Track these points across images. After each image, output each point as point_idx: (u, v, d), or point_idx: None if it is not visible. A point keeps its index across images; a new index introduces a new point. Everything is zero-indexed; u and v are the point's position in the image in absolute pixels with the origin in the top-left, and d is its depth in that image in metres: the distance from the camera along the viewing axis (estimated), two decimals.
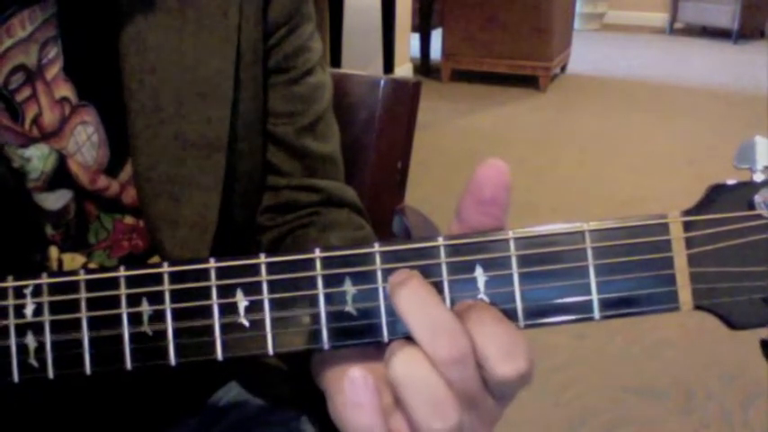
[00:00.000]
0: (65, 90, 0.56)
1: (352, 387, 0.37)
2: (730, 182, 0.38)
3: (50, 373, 0.41)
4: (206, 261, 0.40)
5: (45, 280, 0.41)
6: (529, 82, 4.77)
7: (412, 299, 0.37)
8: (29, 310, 0.41)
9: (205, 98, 0.58)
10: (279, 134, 0.65)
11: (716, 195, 0.38)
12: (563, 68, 5.24)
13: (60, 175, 0.56)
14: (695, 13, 6.55)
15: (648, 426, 1.80)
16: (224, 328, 0.39)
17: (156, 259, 0.61)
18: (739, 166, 0.38)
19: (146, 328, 0.40)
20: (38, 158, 0.55)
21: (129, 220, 0.59)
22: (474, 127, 4.10)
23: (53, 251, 0.57)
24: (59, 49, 0.55)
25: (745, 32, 6.26)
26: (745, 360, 2.01)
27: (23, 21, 0.54)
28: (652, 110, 4.43)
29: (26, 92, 0.55)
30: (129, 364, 0.40)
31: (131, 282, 0.40)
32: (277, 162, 0.66)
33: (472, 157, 3.63)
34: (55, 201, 0.57)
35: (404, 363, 0.36)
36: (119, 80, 0.56)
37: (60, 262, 0.58)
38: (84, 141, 0.57)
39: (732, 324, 0.38)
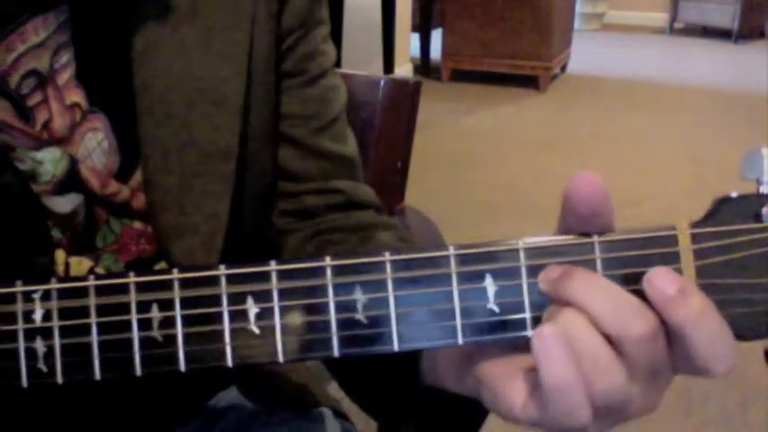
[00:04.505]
0: (76, 96, 0.56)
1: (542, 343, 0.36)
2: (738, 194, 0.38)
3: (59, 379, 0.41)
4: (216, 268, 0.40)
5: (54, 285, 0.41)
6: (529, 82, 4.77)
7: (589, 284, 0.37)
8: (38, 315, 0.41)
9: (216, 105, 0.58)
10: (296, 136, 0.65)
11: (724, 207, 0.38)
12: (563, 68, 5.24)
13: (71, 180, 0.56)
14: (695, 13, 6.55)
15: (648, 426, 1.80)
16: (234, 334, 0.39)
17: (163, 265, 0.61)
18: (746, 177, 0.38)
19: (155, 334, 0.40)
20: (50, 162, 0.55)
21: (137, 225, 0.59)
22: (474, 127, 4.10)
23: (60, 255, 0.57)
24: (71, 54, 0.55)
25: (745, 32, 6.26)
26: (745, 360, 2.00)
27: (37, 27, 0.54)
28: (652, 110, 4.42)
29: (37, 97, 0.55)
30: (138, 371, 0.40)
31: (141, 288, 0.40)
32: (294, 166, 0.66)
33: (472, 157, 3.63)
34: (65, 204, 0.56)
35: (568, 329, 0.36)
36: (130, 87, 0.56)
37: (67, 265, 0.57)
38: (94, 148, 0.57)
39: (740, 335, 0.38)
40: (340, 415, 0.74)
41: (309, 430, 0.70)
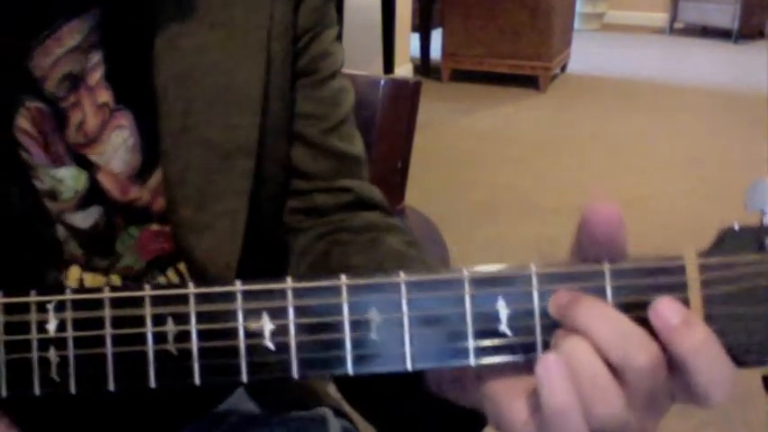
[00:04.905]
0: (105, 96, 0.57)
1: (545, 370, 0.37)
2: (742, 225, 0.40)
3: (72, 389, 0.41)
4: (232, 284, 0.40)
5: (69, 296, 0.41)
6: (529, 82, 4.77)
7: (595, 312, 0.38)
8: (52, 326, 0.41)
9: (235, 104, 0.59)
10: (307, 135, 0.66)
11: (729, 237, 0.40)
12: (563, 68, 5.24)
13: (93, 193, 0.57)
14: (695, 13, 6.55)
15: None
16: (249, 350, 0.40)
17: (181, 267, 0.62)
18: (751, 208, 0.39)
19: (170, 347, 0.40)
20: (71, 178, 0.56)
21: (155, 227, 0.60)
22: (474, 127, 4.10)
23: (74, 271, 0.58)
24: (101, 56, 0.56)
25: (745, 32, 6.25)
26: None
27: (73, 30, 0.55)
28: (652, 110, 4.43)
29: (72, 98, 0.56)
30: (153, 383, 0.41)
31: (156, 301, 0.41)
32: (305, 164, 0.66)
33: (472, 157, 3.63)
34: (86, 219, 0.58)
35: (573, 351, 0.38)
36: (153, 86, 0.57)
37: (81, 282, 0.58)
38: (120, 145, 0.58)
39: (740, 362, 0.39)
40: (341, 415, 0.74)
41: (310, 430, 0.70)
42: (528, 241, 2.69)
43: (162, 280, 0.62)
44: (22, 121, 0.55)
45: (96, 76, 0.56)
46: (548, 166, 3.51)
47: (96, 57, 0.56)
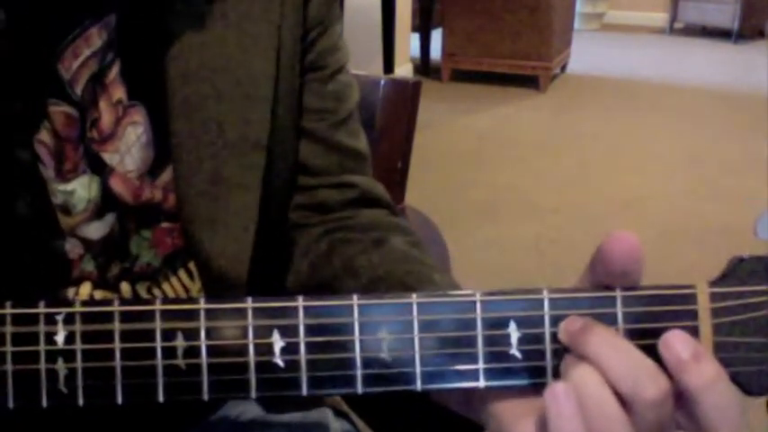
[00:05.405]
0: (119, 92, 0.57)
1: (554, 399, 0.38)
2: (752, 255, 0.40)
3: (80, 401, 0.41)
4: (243, 301, 0.40)
5: (78, 309, 0.41)
6: (529, 82, 4.77)
7: (605, 342, 0.38)
8: (60, 338, 0.41)
9: (246, 99, 0.60)
10: (314, 130, 0.66)
11: (739, 267, 0.40)
12: (563, 68, 5.24)
13: (105, 200, 0.57)
14: (695, 13, 6.55)
15: None
16: (259, 367, 0.40)
17: (191, 266, 0.62)
18: (760, 236, 0.40)
19: (179, 362, 0.40)
20: (82, 188, 0.56)
21: (165, 225, 0.61)
22: (474, 127, 4.10)
23: (86, 288, 0.59)
24: (116, 53, 0.56)
25: (745, 32, 6.26)
26: None
27: (101, 30, 0.55)
28: (652, 110, 4.43)
29: (92, 96, 0.56)
30: (161, 397, 0.41)
31: (166, 316, 0.41)
32: (311, 160, 0.67)
33: (472, 157, 3.63)
34: (98, 229, 0.58)
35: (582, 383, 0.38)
36: (165, 80, 0.58)
37: (92, 298, 0.58)
38: (134, 142, 0.58)
39: (749, 391, 0.40)
40: (341, 415, 0.74)
41: (310, 430, 0.70)
42: (528, 241, 2.69)
43: (174, 281, 0.63)
44: (44, 134, 0.55)
45: (112, 74, 0.57)
46: (548, 166, 3.51)
47: (111, 55, 0.56)
